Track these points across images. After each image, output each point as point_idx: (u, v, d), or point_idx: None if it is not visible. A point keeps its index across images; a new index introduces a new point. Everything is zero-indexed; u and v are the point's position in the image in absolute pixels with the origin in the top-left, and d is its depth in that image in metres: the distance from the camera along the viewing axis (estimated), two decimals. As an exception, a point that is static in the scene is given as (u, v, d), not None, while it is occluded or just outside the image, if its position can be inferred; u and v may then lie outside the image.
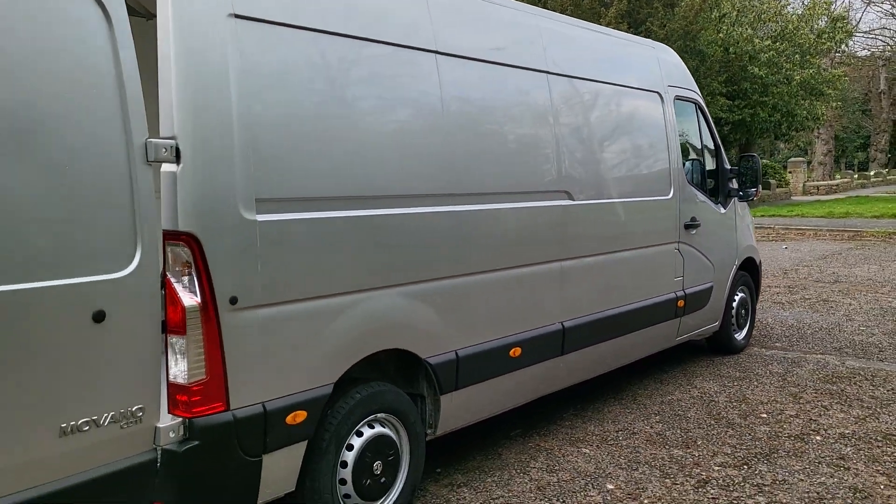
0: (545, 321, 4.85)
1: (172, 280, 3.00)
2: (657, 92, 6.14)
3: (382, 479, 3.84)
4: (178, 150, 2.94)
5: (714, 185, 6.99)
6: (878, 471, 4.68)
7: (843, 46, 33.67)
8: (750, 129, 28.13)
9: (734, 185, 7.10)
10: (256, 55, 3.26)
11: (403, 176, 3.91)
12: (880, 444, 5.10)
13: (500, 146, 4.55)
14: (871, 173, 41.30)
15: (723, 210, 6.99)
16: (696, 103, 6.76)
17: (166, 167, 2.94)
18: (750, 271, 7.63)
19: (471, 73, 4.35)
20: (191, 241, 2.99)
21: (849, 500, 4.29)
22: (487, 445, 5.09)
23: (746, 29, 26.29)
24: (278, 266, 3.28)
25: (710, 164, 7.02)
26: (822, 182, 37.00)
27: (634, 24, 21.75)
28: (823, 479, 4.58)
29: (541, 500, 4.32)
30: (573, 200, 5.03)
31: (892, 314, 9.32)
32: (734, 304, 7.32)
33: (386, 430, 3.87)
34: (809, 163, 42.61)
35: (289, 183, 3.35)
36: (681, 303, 6.31)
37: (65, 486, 2.65)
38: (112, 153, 2.76)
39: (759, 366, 7.05)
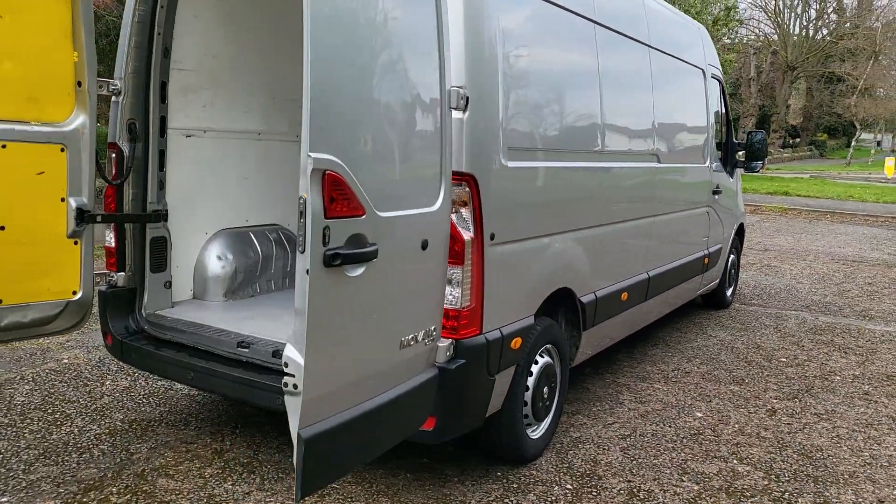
0: (639, 270, 5.43)
1: (452, 216, 3.34)
2: (701, 69, 6.80)
3: (547, 403, 4.31)
4: (467, 98, 3.26)
5: (724, 156, 7.76)
6: (900, 403, 5.62)
7: (732, 34, 35.91)
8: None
9: (740, 157, 7.91)
10: (513, 24, 3.61)
11: (577, 133, 4.35)
12: (889, 383, 6.06)
13: (626, 110, 5.06)
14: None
15: (731, 179, 7.79)
16: (720, 81, 7.48)
17: (455, 114, 3.26)
18: (739, 235, 8.51)
19: (612, 43, 4.81)
20: (471, 181, 3.34)
21: (892, 426, 5.16)
22: (573, 382, 5.63)
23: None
24: (515, 207, 3.67)
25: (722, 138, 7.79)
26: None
27: None
28: (863, 409, 5.44)
29: (648, 424, 4.93)
30: (660, 163, 5.61)
31: (829, 279, 10.59)
32: (728, 264, 8.19)
33: (550, 360, 4.34)
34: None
35: (524, 135, 3.73)
36: (706, 260, 7.07)
37: (396, 395, 2.97)
38: (432, 100, 3.05)
39: (752, 319, 7.97)
